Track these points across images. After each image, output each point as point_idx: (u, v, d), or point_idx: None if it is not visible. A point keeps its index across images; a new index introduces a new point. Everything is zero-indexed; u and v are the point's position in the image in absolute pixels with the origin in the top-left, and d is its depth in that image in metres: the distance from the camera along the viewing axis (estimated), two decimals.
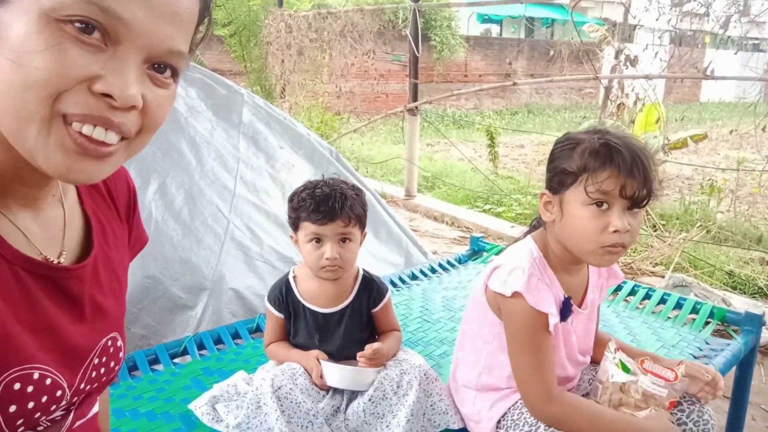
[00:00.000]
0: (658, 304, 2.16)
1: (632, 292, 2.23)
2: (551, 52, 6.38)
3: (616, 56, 5.17)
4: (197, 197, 2.24)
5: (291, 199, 1.41)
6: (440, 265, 2.49)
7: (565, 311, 1.22)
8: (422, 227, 4.87)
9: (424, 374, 1.32)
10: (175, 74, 0.63)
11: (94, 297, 0.74)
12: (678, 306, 2.10)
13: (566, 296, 1.22)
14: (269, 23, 7.17)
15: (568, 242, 1.18)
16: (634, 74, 4.41)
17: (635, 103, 4.96)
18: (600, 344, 1.41)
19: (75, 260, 0.73)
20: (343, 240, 1.36)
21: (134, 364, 1.60)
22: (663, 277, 3.74)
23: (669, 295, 2.17)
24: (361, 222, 1.39)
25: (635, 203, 1.11)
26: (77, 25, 0.53)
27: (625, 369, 1.29)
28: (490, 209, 5.42)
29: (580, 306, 1.29)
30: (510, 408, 1.27)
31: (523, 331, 1.17)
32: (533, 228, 1.35)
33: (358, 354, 1.33)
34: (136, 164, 2.15)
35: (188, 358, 1.67)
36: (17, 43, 0.53)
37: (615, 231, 1.09)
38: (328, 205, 1.32)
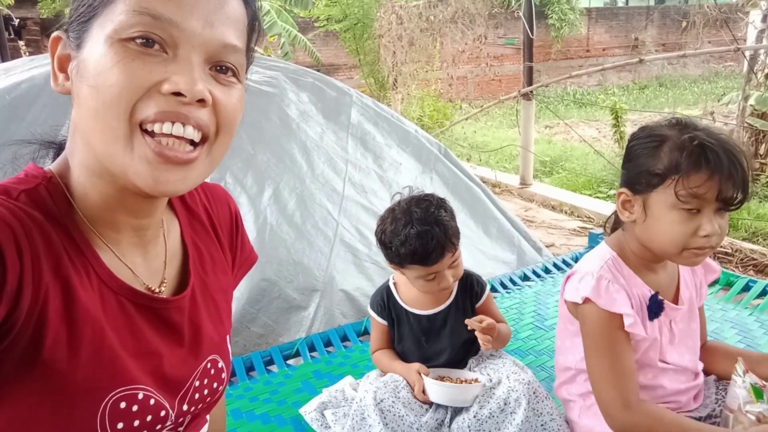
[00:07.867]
0: None
1: (764, 292, 1.98)
2: (684, 23, 5.77)
3: (764, 20, 4.59)
4: (308, 201, 2.31)
5: (383, 242, 1.35)
6: (554, 265, 2.37)
7: (653, 308, 1.15)
8: (538, 217, 4.67)
9: (533, 392, 1.27)
10: (236, 74, 0.66)
11: (192, 324, 0.78)
12: None
13: (653, 292, 1.16)
14: (381, 16, 7.23)
15: (652, 244, 1.13)
16: None
17: None
18: (714, 353, 1.31)
19: (175, 289, 0.78)
20: (454, 263, 1.34)
21: (251, 364, 1.70)
22: None
23: None
24: (459, 236, 1.35)
25: (728, 206, 1.05)
26: (138, 41, 0.59)
27: (758, 394, 1.14)
28: (614, 195, 5.07)
29: (675, 302, 1.22)
30: None
31: (597, 335, 1.13)
32: (612, 230, 1.30)
33: (467, 320, 1.31)
34: (252, 172, 2.27)
35: (300, 360, 1.75)
36: (92, 70, 0.60)
37: (706, 235, 1.05)
38: (436, 247, 1.27)
